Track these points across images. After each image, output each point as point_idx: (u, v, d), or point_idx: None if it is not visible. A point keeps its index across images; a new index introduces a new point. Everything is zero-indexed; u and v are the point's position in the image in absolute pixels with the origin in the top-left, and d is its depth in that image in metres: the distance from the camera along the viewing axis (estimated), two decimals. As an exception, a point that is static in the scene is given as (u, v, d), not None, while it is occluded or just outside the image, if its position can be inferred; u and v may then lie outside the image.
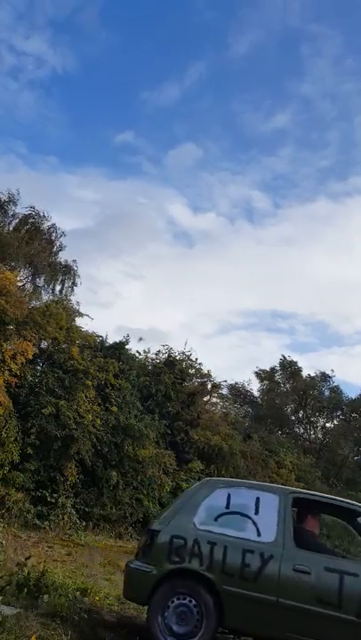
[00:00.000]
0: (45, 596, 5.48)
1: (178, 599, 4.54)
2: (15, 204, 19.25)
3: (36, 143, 55.08)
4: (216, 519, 4.86)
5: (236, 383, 28.31)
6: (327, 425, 28.23)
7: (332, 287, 54.27)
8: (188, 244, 58.79)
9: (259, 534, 4.76)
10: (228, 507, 4.95)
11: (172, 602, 4.54)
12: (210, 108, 52.92)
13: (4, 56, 47.80)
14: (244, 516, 4.91)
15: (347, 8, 49.02)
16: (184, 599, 4.54)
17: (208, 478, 5.62)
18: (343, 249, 57.54)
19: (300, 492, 5.45)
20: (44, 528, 11.42)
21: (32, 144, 55.62)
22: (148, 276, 51.17)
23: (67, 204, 47.44)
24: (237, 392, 28.29)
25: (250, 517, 4.89)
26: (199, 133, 55.28)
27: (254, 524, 4.84)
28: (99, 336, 16.22)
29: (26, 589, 5.55)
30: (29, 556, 6.24)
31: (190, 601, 4.53)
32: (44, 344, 14.40)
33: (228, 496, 5.03)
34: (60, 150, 54.44)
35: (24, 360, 12.88)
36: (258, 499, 5.00)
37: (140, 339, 20.48)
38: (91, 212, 48.50)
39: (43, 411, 12.57)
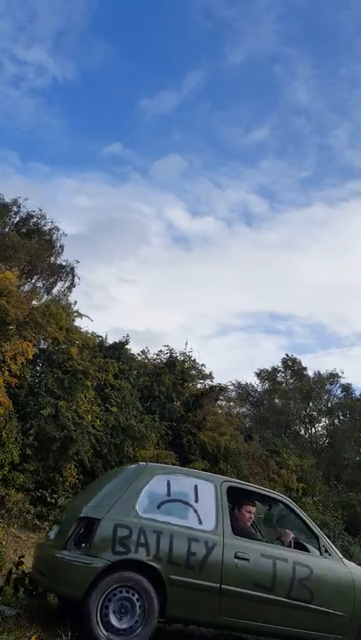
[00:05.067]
0: (39, 599, 5.44)
1: (120, 592, 4.29)
2: (18, 207, 19.34)
3: (34, 150, 55.35)
4: (159, 507, 4.70)
5: (245, 384, 28.37)
6: (330, 425, 28.17)
7: (330, 289, 54.56)
8: (186, 247, 58.97)
9: (200, 522, 4.74)
10: (169, 494, 4.80)
11: (114, 595, 4.27)
12: (207, 115, 53.19)
13: (6, 65, 48.22)
14: (185, 503, 4.82)
15: (319, 32, 49.98)
16: (127, 592, 4.30)
17: (144, 463, 5.34)
18: (340, 252, 57.92)
19: (232, 481, 5.53)
20: (44, 528, 11.39)
21: (29, 151, 55.90)
22: (145, 279, 51.29)
23: (62, 210, 47.66)
24: (244, 392, 28.28)
25: (191, 505, 4.83)
26: (199, 139, 55.53)
27: (195, 512, 4.79)
28: (98, 336, 16.23)
29: (23, 588, 5.53)
30: (23, 555, 6.16)
31: (133, 594, 4.32)
32: (43, 344, 14.38)
33: (168, 483, 4.88)
34: (59, 156, 54.81)
35: (24, 360, 12.86)
36: (196, 486, 4.96)
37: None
38: (86, 218, 48.62)
39: (42, 411, 12.54)
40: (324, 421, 28.48)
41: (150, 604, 4.30)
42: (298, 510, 5.50)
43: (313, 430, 28.70)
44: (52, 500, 12.15)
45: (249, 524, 5.43)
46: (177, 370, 18.15)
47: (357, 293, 59.34)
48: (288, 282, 55.63)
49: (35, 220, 19.68)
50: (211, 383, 19.57)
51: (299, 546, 5.39)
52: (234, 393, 26.38)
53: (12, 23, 45.81)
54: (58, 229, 20.30)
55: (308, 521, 5.42)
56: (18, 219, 19.58)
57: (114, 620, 4.23)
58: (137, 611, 4.29)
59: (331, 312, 60.98)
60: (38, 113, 54.64)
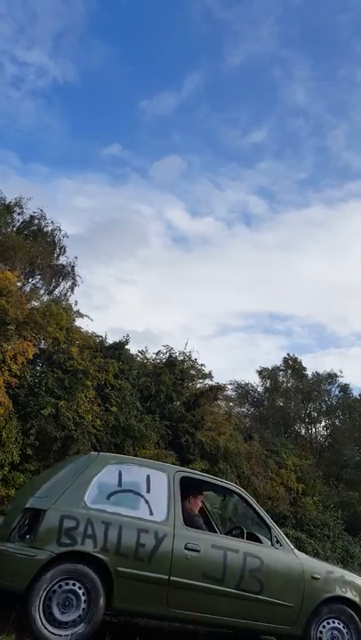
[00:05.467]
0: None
1: (65, 584, 4.20)
2: (21, 207, 19.35)
3: (35, 151, 55.47)
4: (109, 497, 4.62)
5: (246, 383, 28.33)
6: (329, 425, 28.16)
7: (329, 289, 54.82)
8: (186, 247, 59.08)
9: (151, 513, 4.70)
10: (120, 484, 4.74)
11: (59, 587, 4.18)
12: (206, 116, 53.26)
13: (7, 66, 48.28)
14: (136, 494, 4.76)
15: (316, 34, 50.10)
16: (73, 585, 4.22)
17: (96, 453, 5.25)
18: (339, 252, 58.11)
19: (186, 471, 5.51)
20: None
21: (29, 152, 56.04)
22: (145, 279, 51.44)
23: (62, 211, 47.73)
24: (244, 391, 28.24)
25: (142, 496, 4.77)
26: (198, 141, 55.57)
27: (146, 502, 4.74)
28: (98, 336, 16.20)
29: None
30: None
31: (79, 587, 4.24)
32: (43, 344, 14.36)
33: (120, 473, 4.81)
34: (59, 158, 54.97)
35: (24, 360, 12.84)
36: (148, 476, 4.90)
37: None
38: (85, 219, 48.70)
39: (42, 411, 12.52)
40: (324, 421, 28.49)
41: (96, 596, 4.23)
42: (251, 500, 5.48)
43: (313, 430, 28.69)
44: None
45: (194, 512, 5.38)
46: (177, 369, 18.13)
47: (357, 294, 59.51)
48: (287, 282, 55.84)
49: (37, 221, 19.70)
50: (210, 383, 19.55)
51: (251, 536, 5.39)
52: (234, 393, 26.37)
53: (12, 24, 45.92)
54: (60, 230, 20.35)
55: (260, 511, 5.39)
56: (21, 220, 19.58)
57: (57, 613, 4.14)
58: (82, 603, 4.21)
59: (330, 312, 61.20)
60: (39, 114, 54.78)
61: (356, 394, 28.22)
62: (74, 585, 4.23)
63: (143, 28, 52.18)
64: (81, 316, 16.42)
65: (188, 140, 58.10)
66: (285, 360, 29.14)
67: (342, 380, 28.27)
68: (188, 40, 52.22)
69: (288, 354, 29.92)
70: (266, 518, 5.35)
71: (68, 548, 4.21)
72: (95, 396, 14.04)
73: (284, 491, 19.03)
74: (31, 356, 13.10)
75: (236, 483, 17.20)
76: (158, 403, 16.73)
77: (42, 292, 19.01)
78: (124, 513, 4.56)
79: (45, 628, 4.09)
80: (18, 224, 19.33)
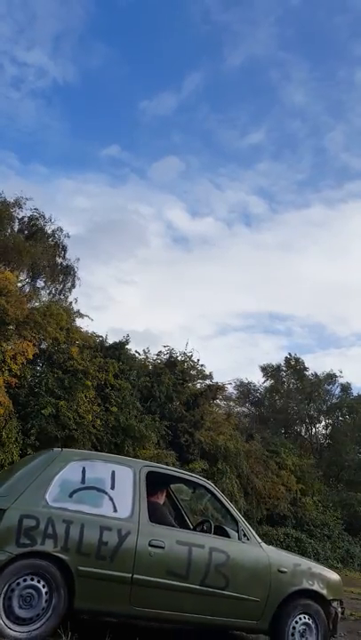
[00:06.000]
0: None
1: (24, 581, 4.11)
2: (21, 207, 19.33)
3: (34, 151, 55.53)
4: (71, 495, 4.50)
5: (248, 382, 28.33)
6: (330, 425, 28.16)
7: (329, 290, 54.82)
8: (186, 247, 59.12)
9: (115, 510, 4.60)
10: (83, 481, 4.62)
11: (17, 584, 4.09)
12: (205, 117, 53.37)
13: (7, 67, 48.36)
14: (100, 491, 4.66)
15: (314, 36, 50.28)
16: (31, 580, 4.14)
17: (60, 449, 5.06)
18: (338, 252, 58.15)
19: (153, 466, 5.39)
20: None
21: (28, 153, 56.11)
22: (145, 279, 51.48)
23: (61, 211, 47.74)
24: (246, 390, 28.23)
25: (106, 492, 4.66)
26: (197, 142, 55.66)
27: (110, 499, 4.64)
28: (98, 336, 16.20)
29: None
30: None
31: (39, 582, 4.16)
32: (43, 344, 14.36)
33: (84, 470, 4.69)
34: (59, 158, 55.00)
35: (24, 360, 12.84)
36: (113, 472, 4.80)
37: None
38: (84, 219, 48.74)
39: (42, 411, 12.53)
40: (324, 421, 28.49)
41: (58, 593, 4.17)
42: (219, 494, 5.39)
43: (313, 430, 28.69)
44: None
45: (162, 508, 5.30)
46: (177, 370, 18.14)
47: (357, 294, 59.51)
48: (287, 282, 55.86)
49: (37, 221, 19.67)
50: (209, 383, 19.57)
51: (219, 530, 5.31)
52: (235, 392, 26.37)
53: (12, 25, 45.97)
54: (62, 230, 20.34)
55: (228, 505, 5.33)
56: (21, 220, 19.56)
57: (17, 609, 4.06)
58: (43, 599, 4.14)
59: (330, 312, 61.20)
60: (39, 114, 54.83)
61: (356, 394, 28.25)
62: (32, 580, 4.15)
63: (143, 28, 52.35)
64: (81, 316, 16.44)
65: (187, 141, 58.28)
66: (287, 360, 29.13)
67: (343, 380, 28.29)
68: (188, 41, 52.41)
69: (289, 353, 29.92)
70: (233, 512, 5.27)
71: (28, 548, 4.12)
72: (95, 395, 14.04)
73: (285, 490, 19.04)
74: (31, 356, 13.10)
75: (236, 482, 17.22)
76: (158, 403, 16.73)
77: (43, 292, 19.07)
78: (86, 511, 4.45)
79: (5, 625, 4.03)
80: (17, 224, 19.34)
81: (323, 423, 28.51)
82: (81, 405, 13.21)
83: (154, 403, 16.63)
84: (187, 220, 59.31)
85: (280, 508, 18.50)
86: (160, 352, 18.89)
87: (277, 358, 49.64)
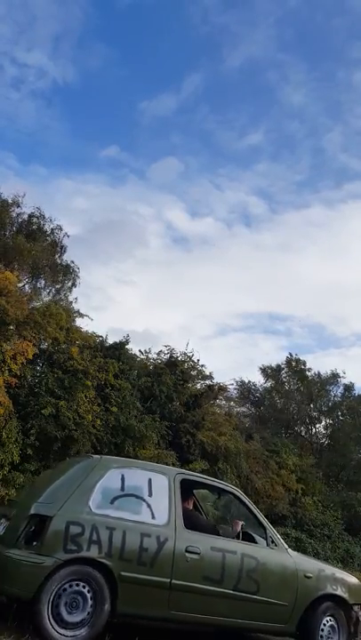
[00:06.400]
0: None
1: (70, 587, 4.22)
2: (19, 206, 19.32)
3: (34, 152, 55.55)
4: (112, 502, 4.61)
5: (248, 382, 28.30)
6: (330, 425, 28.15)
7: (329, 290, 54.83)
8: (186, 248, 59.14)
9: (153, 517, 4.71)
10: (122, 488, 4.73)
11: (64, 590, 4.20)
12: (205, 118, 53.44)
13: (7, 68, 48.41)
14: (138, 498, 4.77)
15: (313, 37, 50.47)
16: (77, 586, 4.25)
17: (99, 456, 5.17)
18: (338, 253, 58.19)
19: (186, 473, 5.56)
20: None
21: (28, 153, 56.13)
22: (144, 280, 51.51)
23: (60, 212, 47.77)
24: (246, 389, 28.21)
25: (144, 499, 4.78)
26: (196, 143, 55.75)
27: (148, 506, 4.76)
28: (98, 336, 16.19)
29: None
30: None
31: (85, 587, 4.26)
32: (44, 344, 14.36)
33: (123, 477, 4.80)
34: (58, 159, 55.04)
35: (24, 360, 12.84)
36: (150, 480, 4.91)
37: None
38: (84, 220, 48.73)
39: (42, 411, 12.53)
40: (325, 421, 28.47)
41: (102, 597, 4.27)
42: (247, 501, 5.52)
43: (313, 430, 28.67)
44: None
45: (195, 514, 5.48)
46: (177, 370, 18.13)
47: (356, 294, 59.53)
48: (287, 282, 55.88)
49: (36, 220, 19.67)
50: (210, 383, 19.56)
51: (246, 535, 5.44)
52: (235, 391, 26.33)
53: (12, 26, 46.02)
54: (61, 229, 20.32)
55: (256, 512, 5.45)
56: (20, 220, 19.55)
57: (65, 614, 4.16)
58: (88, 603, 4.24)
59: (330, 313, 61.24)
60: (38, 115, 54.83)
61: (356, 394, 28.21)
62: (83, 587, 4.27)
63: (142, 30, 52.38)
64: (81, 315, 16.44)
65: (186, 142, 58.21)
66: (288, 360, 29.11)
67: (344, 380, 28.25)
68: (188, 42, 52.37)
69: (290, 353, 29.88)
70: (261, 519, 5.40)
71: (74, 554, 4.23)
72: (95, 395, 14.04)
73: (284, 490, 19.03)
74: (31, 356, 13.10)
75: (235, 482, 17.21)
76: (159, 403, 16.73)
77: (44, 292, 19.06)
78: (127, 517, 4.57)
79: (54, 630, 4.12)
80: (17, 224, 19.32)
81: (323, 423, 28.52)
82: (81, 405, 13.20)
83: (154, 403, 16.62)
84: (186, 220, 59.37)
85: (280, 508, 18.50)
86: (160, 352, 18.89)
87: (277, 358, 49.65)
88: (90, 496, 4.51)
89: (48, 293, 19.27)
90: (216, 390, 19.65)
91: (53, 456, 12.58)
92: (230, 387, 21.56)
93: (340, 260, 59.12)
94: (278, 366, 29.12)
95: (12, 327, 13.00)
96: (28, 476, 12.17)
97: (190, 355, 19.03)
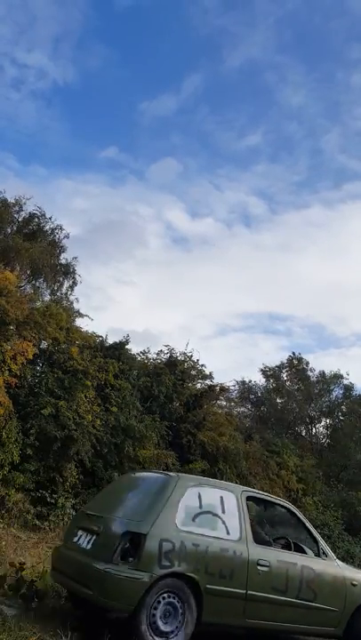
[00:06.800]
0: (35, 602, 5.43)
1: (164, 599, 4.55)
2: (20, 207, 19.33)
3: (34, 152, 55.58)
4: (194, 519, 4.91)
5: (249, 381, 28.29)
6: (330, 426, 28.13)
7: (329, 290, 54.84)
8: (186, 248, 59.17)
9: (228, 533, 5.07)
10: (201, 506, 5.04)
11: (159, 602, 4.53)
12: (204, 118, 53.42)
13: (7, 68, 48.45)
14: (214, 515, 5.10)
15: (312, 39, 50.47)
16: (169, 598, 4.57)
17: (176, 475, 5.43)
18: (338, 253, 58.25)
19: (250, 491, 6.03)
20: (44, 529, 11.38)
21: (28, 154, 56.14)
22: (144, 280, 51.49)
23: (60, 212, 47.75)
24: (246, 389, 28.19)
25: (219, 516, 5.12)
26: (194, 143, 55.75)
27: (223, 522, 5.11)
28: (98, 336, 16.20)
29: (20, 592, 5.53)
30: (24, 563, 6.20)
31: (175, 598, 4.59)
32: (44, 344, 14.36)
33: (199, 495, 5.10)
34: (58, 159, 55.04)
35: (24, 360, 12.84)
36: (221, 497, 5.25)
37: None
38: (83, 220, 48.75)
39: (42, 411, 12.53)
40: (325, 421, 28.46)
41: (190, 609, 4.65)
42: (301, 517, 6.06)
43: (314, 431, 28.65)
44: (52, 501, 12.12)
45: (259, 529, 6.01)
46: (177, 370, 18.12)
47: (356, 294, 59.55)
48: (287, 283, 55.89)
49: (37, 220, 19.66)
50: (211, 383, 19.55)
51: (297, 547, 5.99)
52: (236, 391, 26.33)
53: (12, 26, 46.05)
54: (62, 229, 20.32)
55: (309, 526, 6.04)
56: (21, 219, 19.55)
57: (161, 624, 4.54)
58: (179, 614, 4.62)
59: (330, 313, 61.23)
60: (38, 115, 54.87)
61: (357, 394, 28.19)
62: (174, 598, 4.62)
63: (142, 31, 52.36)
64: (81, 315, 16.45)
65: (185, 143, 58.27)
66: (290, 359, 29.08)
67: (345, 381, 28.22)
68: (188, 42, 52.37)
69: (293, 352, 29.86)
70: (314, 532, 6.02)
71: (168, 569, 4.54)
72: (95, 396, 14.04)
73: (284, 491, 19.02)
74: (31, 356, 13.10)
75: (235, 482, 17.22)
76: (158, 403, 16.73)
77: (45, 292, 19.05)
78: (207, 534, 4.92)
79: (152, 639, 4.48)
80: (18, 222, 19.31)
81: (322, 423, 28.52)
82: (81, 405, 13.20)
83: (154, 403, 16.62)
84: (186, 220, 59.42)
85: (280, 509, 18.48)
86: (160, 352, 18.90)
87: (277, 359, 49.68)
88: (175, 514, 4.82)
89: (50, 293, 19.27)
90: (217, 391, 19.65)
91: (53, 456, 12.57)
92: (232, 387, 21.57)
93: (340, 260, 59.24)
94: (280, 365, 29.13)
95: (12, 327, 13.00)
96: (28, 475, 12.16)
97: (190, 355, 19.05)
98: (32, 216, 19.44)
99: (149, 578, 4.43)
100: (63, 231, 20.12)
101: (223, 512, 5.16)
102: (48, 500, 12.13)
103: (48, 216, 19.84)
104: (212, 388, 19.30)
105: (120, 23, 52.49)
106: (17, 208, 19.12)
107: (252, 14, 50.84)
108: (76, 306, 18.81)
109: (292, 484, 19.69)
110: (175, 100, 55.17)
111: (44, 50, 52.32)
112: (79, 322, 16.26)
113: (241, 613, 4.99)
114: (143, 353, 18.50)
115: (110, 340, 16.35)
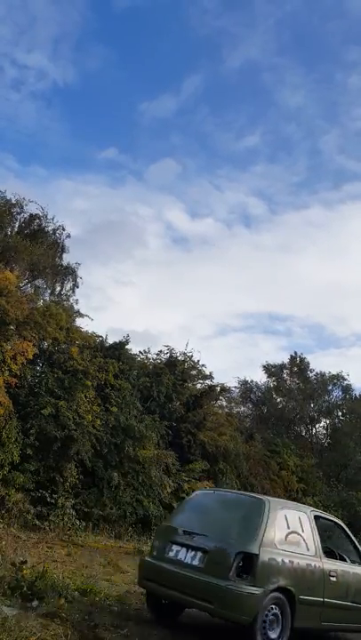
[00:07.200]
0: (35, 602, 5.43)
1: (270, 610, 5.20)
2: (22, 208, 19.30)
3: (34, 153, 55.54)
4: (285, 538, 5.58)
5: (251, 381, 28.27)
6: (330, 425, 28.12)
7: (328, 290, 54.82)
8: (186, 248, 59.16)
9: (308, 549, 5.81)
10: (288, 527, 5.73)
11: (267, 614, 5.17)
12: (204, 119, 53.42)
13: (7, 69, 48.44)
14: (297, 534, 5.80)
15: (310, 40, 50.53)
16: (274, 609, 5.25)
17: (267, 499, 5.97)
18: (338, 253, 58.26)
19: (315, 511, 6.75)
20: (44, 529, 11.38)
21: (28, 154, 56.11)
22: (144, 280, 51.47)
23: (59, 212, 47.69)
24: (247, 389, 28.17)
25: (301, 535, 5.84)
26: (193, 144, 55.75)
27: (304, 540, 5.85)
28: (98, 336, 16.18)
29: (19, 592, 5.52)
30: (25, 561, 6.18)
31: (277, 609, 5.26)
32: (44, 344, 14.35)
33: (286, 517, 5.78)
34: (58, 159, 55.01)
35: (24, 360, 12.83)
36: (300, 518, 5.99)
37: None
38: (83, 220, 48.69)
39: (42, 411, 12.52)
40: (325, 421, 28.46)
41: (286, 618, 5.33)
42: (348, 531, 6.97)
43: (314, 431, 28.65)
44: (52, 501, 12.11)
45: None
46: (177, 370, 18.13)
47: (356, 294, 59.57)
48: (287, 283, 55.91)
49: (38, 221, 19.63)
50: (211, 383, 19.55)
51: (340, 556, 6.77)
52: (237, 391, 26.31)
53: (12, 28, 46.06)
54: (63, 229, 20.28)
55: (354, 540, 6.93)
56: (22, 220, 19.52)
57: (270, 633, 5.17)
58: (280, 623, 5.27)
59: (329, 313, 61.23)
60: (38, 116, 54.88)
61: (356, 394, 28.20)
62: (277, 609, 5.26)
63: (142, 31, 52.40)
64: (81, 315, 16.42)
65: (184, 144, 58.31)
66: (292, 359, 29.07)
67: (344, 381, 28.19)
68: (187, 43, 52.41)
69: (295, 352, 29.86)
70: (359, 546, 6.92)
71: (276, 584, 5.21)
72: (95, 396, 14.04)
73: (285, 492, 19.02)
74: (31, 356, 13.09)
75: (235, 483, 17.22)
76: (158, 403, 16.73)
77: (45, 292, 19.02)
78: (295, 551, 5.62)
79: None
80: (19, 223, 19.28)
81: (322, 423, 28.52)
82: (81, 405, 13.20)
83: (154, 403, 16.62)
84: (186, 220, 59.44)
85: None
86: (160, 352, 18.89)
87: (277, 359, 49.64)
88: (273, 534, 5.45)
89: (50, 294, 19.23)
90: (218, 391, 19.66)
91: (53, 456, 12.57)
92: (233, 387, 21.57)
93: (339, 261, 59.26)
94: (282, 365, 29.12)
95: (12, 327, 12.99)
96: (28, 475, 12.16)
97: (190, 355, 19.05)
98: (33, 217, 19.42)
99: (263, 593, 5.06)
100: (65, 232, 20.13)
101: (303, 531, 5.88)
102: (48, 499, 12.12)
103: (50, 217, 19.85)
104: (212, 388, 19.30)
105: (119, 24, 52.60)
106: (18, 209, 19.12)
107: (251, 15, 50.99)
108: (76, 306, 18.79)
109: (292, 484, 19.71)
110: (175, 101, 55.28)
111: (44, 51, 52.43)
112: (79, 322, 16.26)
113: (318, 618, 5.83)
114: (143, 353, 18.51)
115: (110, 341, 16.36)
